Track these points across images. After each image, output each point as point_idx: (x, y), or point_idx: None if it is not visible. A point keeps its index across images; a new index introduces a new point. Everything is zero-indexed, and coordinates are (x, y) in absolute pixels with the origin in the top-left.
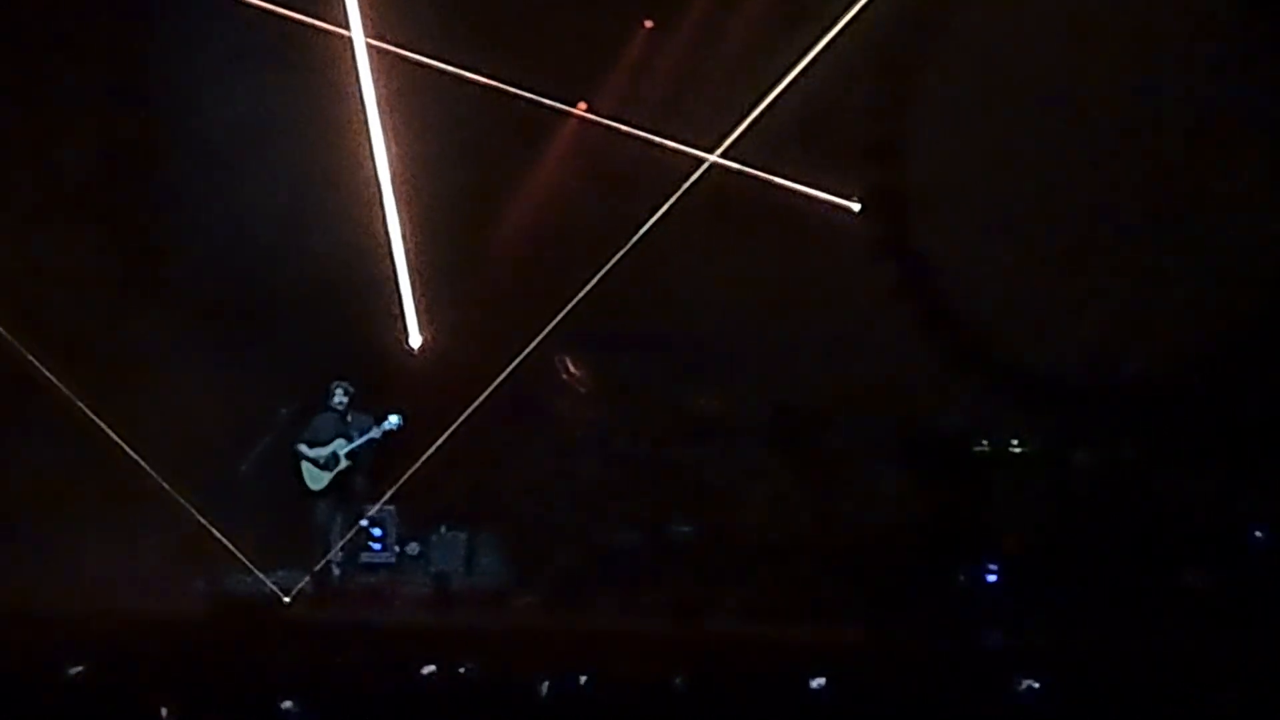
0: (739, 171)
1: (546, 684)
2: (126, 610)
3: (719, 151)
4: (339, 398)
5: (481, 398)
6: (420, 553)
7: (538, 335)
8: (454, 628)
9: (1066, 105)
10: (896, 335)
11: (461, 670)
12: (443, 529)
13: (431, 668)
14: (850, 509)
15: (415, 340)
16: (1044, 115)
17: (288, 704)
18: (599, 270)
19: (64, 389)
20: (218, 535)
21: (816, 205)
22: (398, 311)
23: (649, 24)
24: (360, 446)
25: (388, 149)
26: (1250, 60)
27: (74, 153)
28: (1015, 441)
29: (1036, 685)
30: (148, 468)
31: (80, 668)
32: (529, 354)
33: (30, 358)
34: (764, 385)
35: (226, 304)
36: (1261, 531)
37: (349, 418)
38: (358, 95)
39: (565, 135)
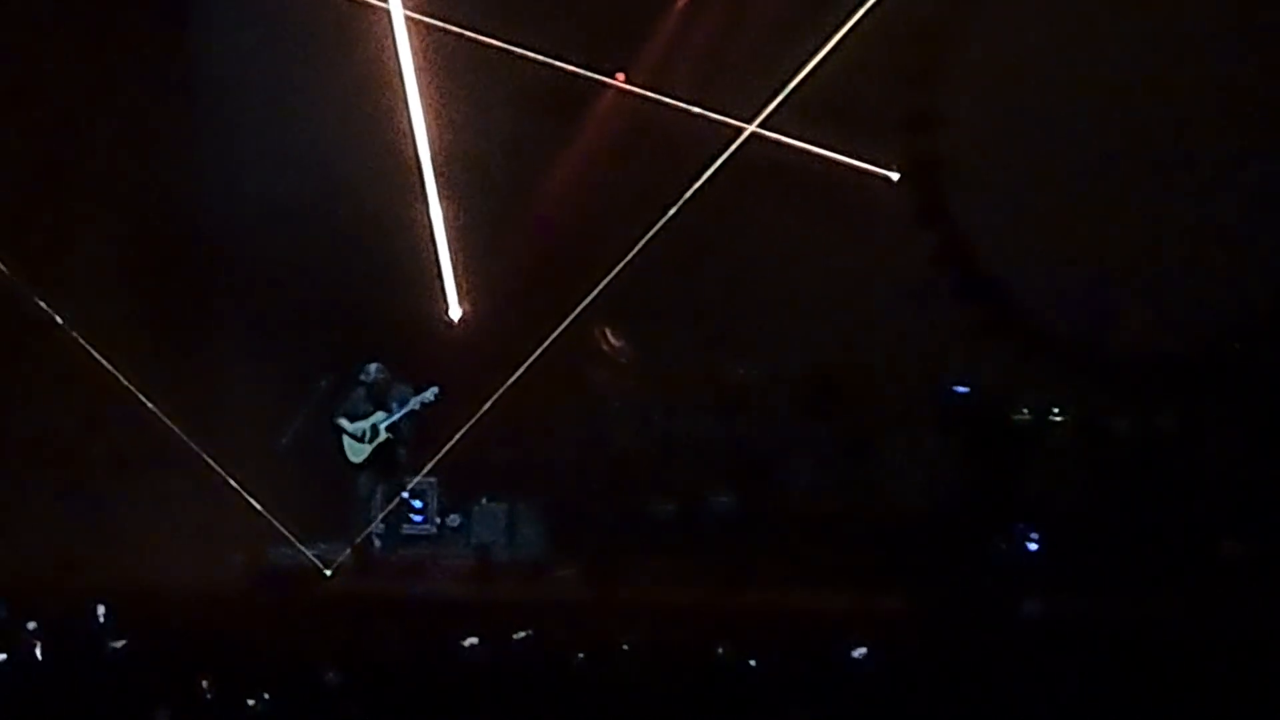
0: (777, 141)
1: (582, 655)
2: (168, 584)
3: (757, 121)
4: (374, 374)
5: (522, 369)
6: (461, 525)
7: (577, 306)
8: (495, 599)
9: (1106, 72)
10: (935, 304)
11: (517, 637)
12: (483, 501)
13: (473, 640)
14: (889, 478)
15: (455, 312)
16: (1082, 83)
17: (329, 676)
18: (638, 241)
19: (105, 363)
20: (259, 508)
21: (855, 175)
22: (437, 283)
23: None
24: (400, 419)
25: (426, 121)
26: None
27: (112, 127)
28: (1055, 410)
29: (1073, 652)
30: (189, 441)
31: (122, 642)
32: (569, 325)
33: (72, 333)
34: (803, 355)
35: (266, 276)
36: None
37: (388, 390)
38: (396, 67)
39: (603, 106)
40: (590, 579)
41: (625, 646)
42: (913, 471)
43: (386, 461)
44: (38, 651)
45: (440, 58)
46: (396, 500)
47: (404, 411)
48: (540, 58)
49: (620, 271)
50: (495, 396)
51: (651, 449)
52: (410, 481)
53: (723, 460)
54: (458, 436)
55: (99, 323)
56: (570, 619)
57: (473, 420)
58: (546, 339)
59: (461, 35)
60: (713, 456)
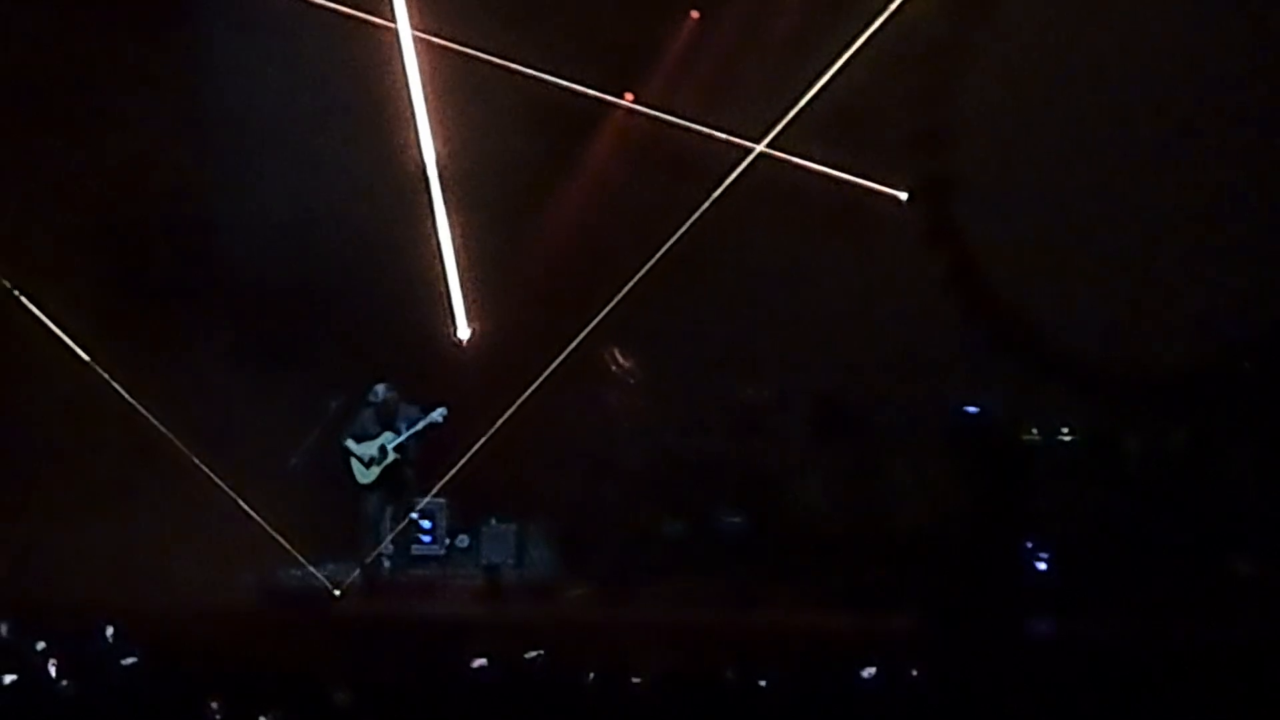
0: (786, 161)
1: (593, 675)
2: (177, 604)
3: (766, 141)
4: (382, 395)
5: (530, 390)
6: (470, 545)
7: (586, 327)
8: (504, 620)
9: (1115, 92)
10: (945, 324)
11: (527, 657)
12: (492, 521)
13: (482, 660)
14: (899, 498)
15: (463, 332)
16: (1091, 102)
17: (338, 697)
18: (647, 261)
19: (114, 384)
20: (268, 529)
21: (864, 195)
22: (445, 303)
23: (695, 14)
24: (407, 439)
25: (433, 140)
26: None
27: (119, 147)
28: (1064, 429)
29: (1083, 671)
30: (199, 462)
31: (132, 661)
32: (577, 345)
33: (81, 353)
34: (812, 375)
35: (274, 296)
36: None
37: (396, 411)
38: (404, 87)
39: (612, 126)
40: (600, 599)
41: (635, 667)
42: (922, 491)
43: (395, 482)
44: (50, 671)
45: (448, 77)
46: (405, 521)
47: (412, 432)
48: (548, 77)
49: (629, 291)
50: (504, 417)
51: (660, 469)
52: (419, 502)
53: (732, 481)
54: (467, 457)
55: (107, 343)
56: (580, 639)
57: (481, 441)
58: (555, 359)
59: (469, 55)
60: (722, 477)
